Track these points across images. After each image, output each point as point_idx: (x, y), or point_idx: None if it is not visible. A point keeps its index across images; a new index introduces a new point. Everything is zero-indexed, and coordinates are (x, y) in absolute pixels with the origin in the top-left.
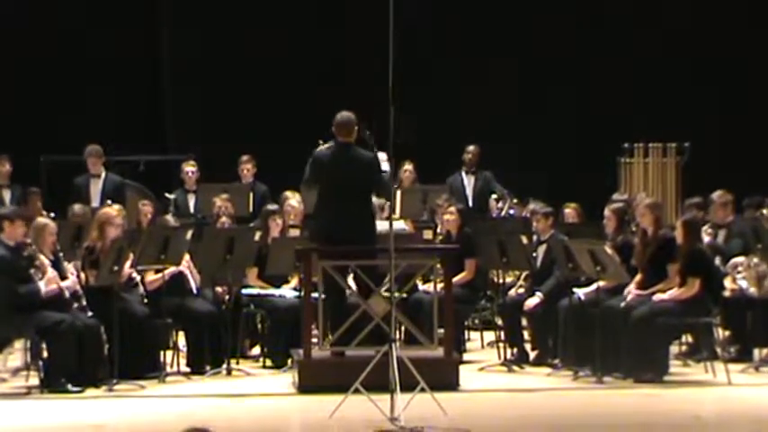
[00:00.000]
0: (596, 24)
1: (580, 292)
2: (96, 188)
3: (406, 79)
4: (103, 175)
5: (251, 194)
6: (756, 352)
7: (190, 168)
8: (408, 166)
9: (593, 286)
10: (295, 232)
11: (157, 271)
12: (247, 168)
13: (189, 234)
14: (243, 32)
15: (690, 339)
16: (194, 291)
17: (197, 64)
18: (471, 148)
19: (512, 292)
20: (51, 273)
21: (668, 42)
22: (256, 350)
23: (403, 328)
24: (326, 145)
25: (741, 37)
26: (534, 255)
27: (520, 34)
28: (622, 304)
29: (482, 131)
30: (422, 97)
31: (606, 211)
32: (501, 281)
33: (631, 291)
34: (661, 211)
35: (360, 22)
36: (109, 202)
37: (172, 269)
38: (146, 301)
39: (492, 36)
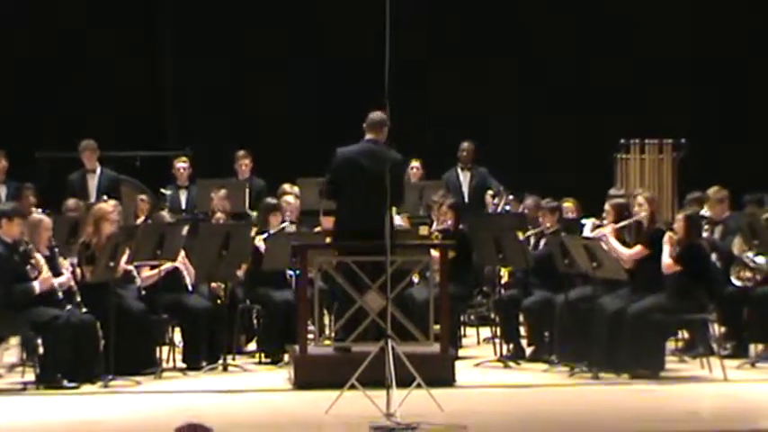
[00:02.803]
0: (595, 22)
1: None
2: (93, 183)
3: (406, 79)
4: (99, 170)
5: (247, 190)
6: (752, 348)
7: (182, 164)
8: (415, 163)
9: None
10: (292, 228)
11: (153, 267)
12: (245, 164)
13: (184, 230)
14: (242, 30)
15: (686, 335)
16: (189, 287)
17: (195, 60)
18: (465, 144)
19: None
20: (46, 272)
21: (665, 39)
22: (252, 346)
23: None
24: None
25: (739, 34)
26: (536, 248)
27: (518, 33)
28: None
29: (479, 128)
30: (420, 94)
31: (606, 206)
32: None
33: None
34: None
35: (360, 21)
36: (105, 197)
37: (167, 265)
38: (143, 292)
39: (491, 35)
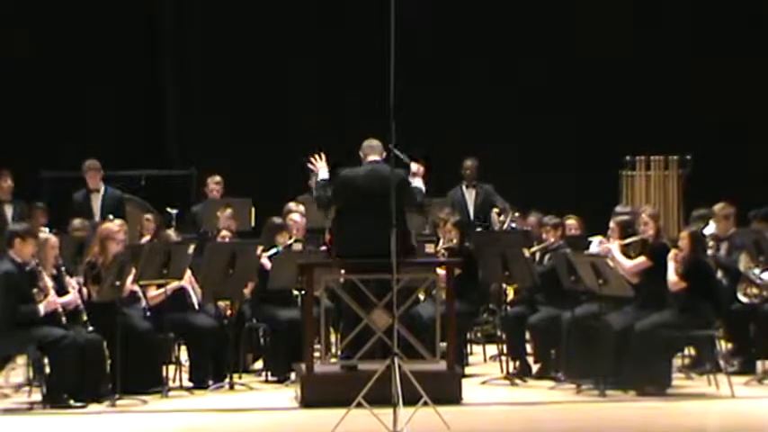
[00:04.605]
0: (598, 33)
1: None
2: (96, 203)
3: (406, 80)
4: (102, 189)
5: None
6: (759, 364)
7: (214, 183)
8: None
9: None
10: (298, 246)
11: (159, 286)
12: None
13: (191, 249)
14: (246, 45)
15: (692, 352)
16: (196, 306)
17: (199, 77)
18: (469, 162)
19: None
20: (52, 296)
21: (670, 54)
22: (259, 364)
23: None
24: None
25: (741, 47)
26: (540, 265)
27: (518, 45)
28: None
29: (483, 142)
30: (421, 99)
31: (611, 223)
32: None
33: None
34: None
35: (360, 22)
36: (111, 216)
37: (174, 285)
38: (148, 314)
39: (492, 40)
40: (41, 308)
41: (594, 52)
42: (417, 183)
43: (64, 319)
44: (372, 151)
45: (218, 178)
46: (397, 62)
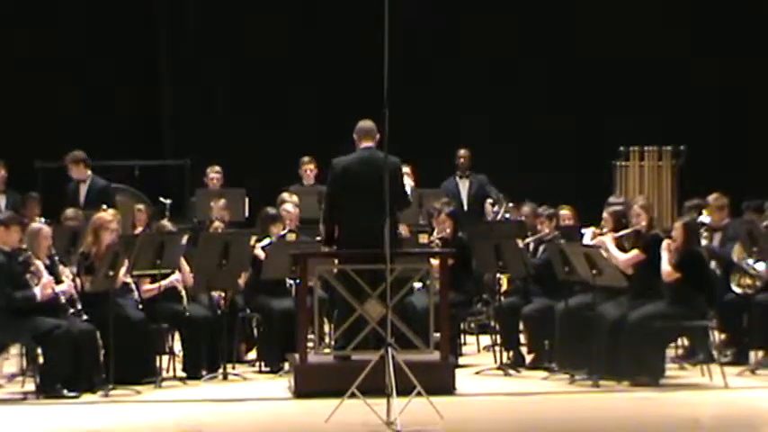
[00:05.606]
0: (594, 28)
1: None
2: (82, 193)
3: (406, 80)
4: (89, 179)
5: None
6: (752, 355)
7: (214, 174)
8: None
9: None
10: (291, 237)
11: (153, 280)
12: (309, 169)
13: (184, 239)
14: (242, 37)
15: (686, 342)
16: (186, 308)
17: (195, 68)
18: (462, 151)
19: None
20: (47, 278)
21: (663, 46)
22: (252, 355)
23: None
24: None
25: (738, 39)
26: (535, 255)
27: (517, 37)
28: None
29: (478, 134)
30: (419, 98)
31: (604, 214)
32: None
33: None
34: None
35: (359, 23)
36: (104, 207)
37: (167, 282)
38: (140, 306)
39: (491, 39)
40: (37, 291)
41: (593, 52)
42: (406, 181)
43: (63, 299)
44: (366, 135)
45: (217, 168)
46: (396, 60)
